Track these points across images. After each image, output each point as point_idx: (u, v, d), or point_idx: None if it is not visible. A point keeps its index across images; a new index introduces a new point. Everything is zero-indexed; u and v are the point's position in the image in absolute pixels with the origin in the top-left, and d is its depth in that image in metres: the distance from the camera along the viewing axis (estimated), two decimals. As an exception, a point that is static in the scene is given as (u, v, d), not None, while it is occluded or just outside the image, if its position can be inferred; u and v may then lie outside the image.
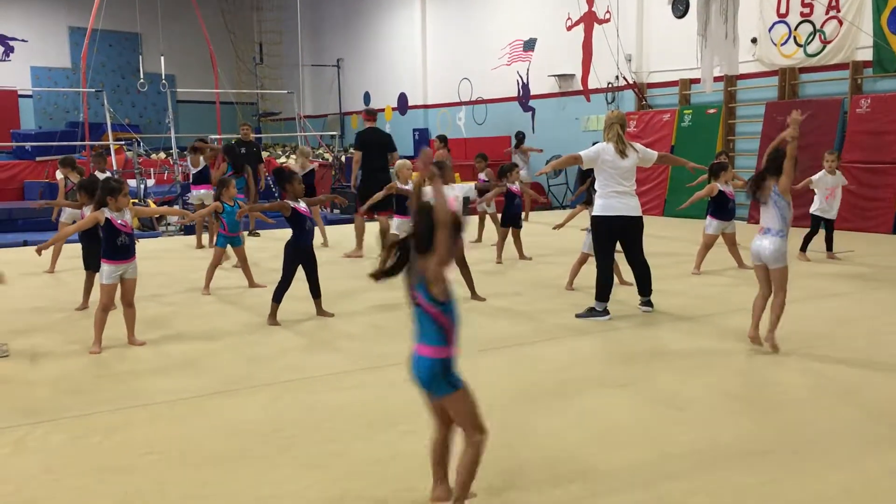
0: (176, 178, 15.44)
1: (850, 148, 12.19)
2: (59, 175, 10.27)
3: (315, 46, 25.61)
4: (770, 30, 13.64)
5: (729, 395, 4.48)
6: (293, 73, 24.45)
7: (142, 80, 18.29)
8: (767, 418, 4.11)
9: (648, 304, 6.60)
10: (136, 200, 12.75)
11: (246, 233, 9.75)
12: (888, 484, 3.32)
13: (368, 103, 23.40)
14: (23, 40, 24.54)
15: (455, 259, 7.96)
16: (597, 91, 16.90)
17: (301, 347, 5.73)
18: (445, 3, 20.91)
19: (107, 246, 5.60)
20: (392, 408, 4.33)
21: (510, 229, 9.38)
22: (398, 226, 8.51)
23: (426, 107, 21.96)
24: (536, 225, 12.32)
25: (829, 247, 9.21)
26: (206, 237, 11.24)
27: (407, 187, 8.51)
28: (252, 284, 7.87)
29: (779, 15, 13.51)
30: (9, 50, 24.47)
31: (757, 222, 13.50)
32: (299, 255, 6.41)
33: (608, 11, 16.17)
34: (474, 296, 7.16)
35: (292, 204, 6.37)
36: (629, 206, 6.37)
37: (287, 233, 6.55)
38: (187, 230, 12.84)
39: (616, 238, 6.47)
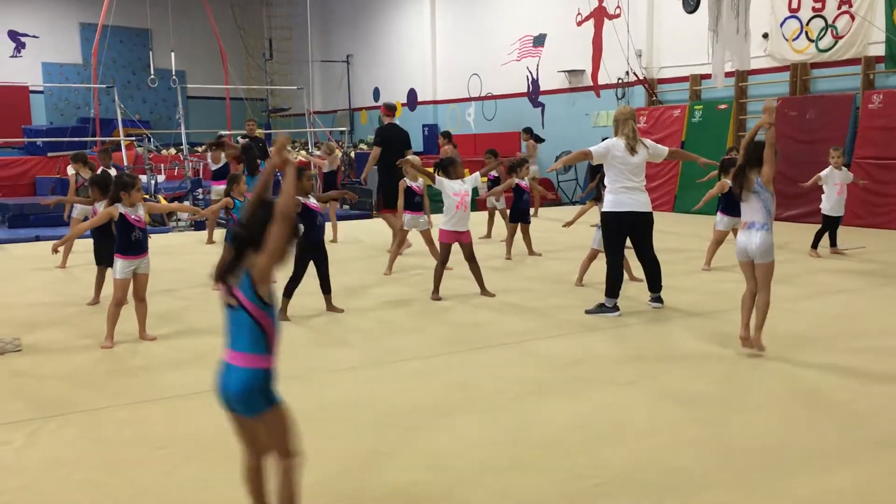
0: (186, 174, 15.49)
1: (862, 144, 12.12)
2: (70, 171, 10.31)
3: (325, 42, 25.63)
4: (782, 25, 13.57)
5: (740, 391, 4.48)
6: (303, 69, 24.48)
7: (152, 76, 18.37)
8: (777, 414, 4.11)
9: (658, 300, 6.59)
10: (147, 196, 12.80)
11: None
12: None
13: (378, 99, 23.41)
14: (34, 36, 24.65)
15: (464, 255, 7.90)
16: (607, 87, 16.86)
17: (311, 342, 5.75)
18: (455, -1, 20.92)
19: (120, 241, 5.63)
20: (402, 403, 4.34)
21: (519, 225, 9.38)
22: (408, 221, 8.52)
23: (435, 102, 21.95)
24: (545, 221, 12.30)
25: (833, 242, 9.21)
26: (218, 233, 11.27)
27: (415, 184, 8.53)
28: (262, 280, 7.89)
29: (790, 10, 13.44)
30: (20, 46, 24.58)
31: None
32: (310, 250, 6.42)
33: (618, 6, 16.12)
34: (483, 291, 7.16)
35: (302, 200, 6.38)
36: (639, 201, 6.35)
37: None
38: (197, 226, 12.89)
39: (626, 234, 6.45)
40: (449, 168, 7.20)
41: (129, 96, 24.36)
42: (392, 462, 3.55)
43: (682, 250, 9.41)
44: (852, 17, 12.55)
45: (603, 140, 6.72)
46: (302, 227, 6.42)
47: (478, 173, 7.64)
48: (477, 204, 8.89)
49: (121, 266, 5.62)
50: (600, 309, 6.38)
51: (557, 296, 7.18)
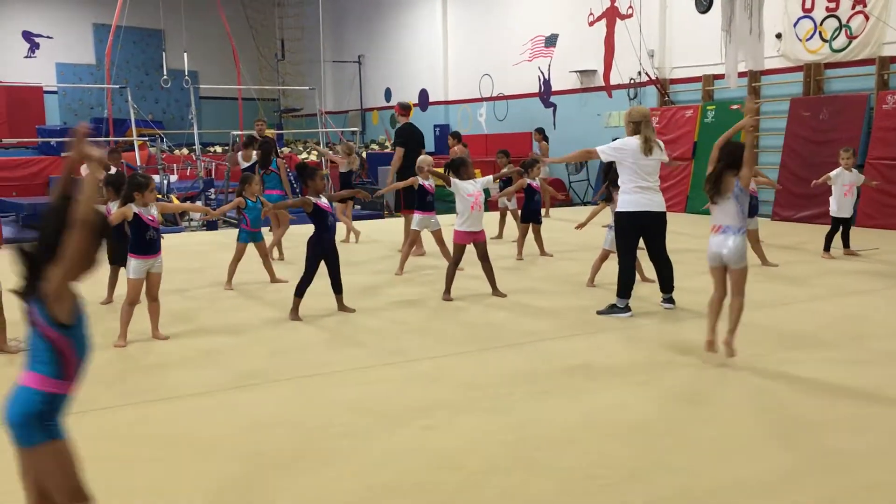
0: (199, 174, 15.56)
1: (876, 144, 12.04)
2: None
3: (336, 42, 25.69)
4: (795, 25, 13.50)
5: (754, 391, 4.46)
6: (314, 70, 24.55)
7: (165, 77, 18.46)
8: (788, 412, 4.09)
9: (670, 301, 6.57)
10: (160, 196, 12.85)
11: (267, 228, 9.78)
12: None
13: (390, 100, 23.45)
14: (48, 37, 24.84)
15: (478, 254, 7.87)
16: (619, 87, 16.81)
17: (323, 342, 5.76)
18: (467, -1, 20.93)
19: (135, 241, 5.65)
20: (413, 403, 4.35)
21: (531, 225, 9.37)
22: (419, 222, 8.52)
23: (447, 103, 21.96)
24: (557, 221, 12.29)
25: (846, 243, 9.16)
26: (229, 233, 11.30)
27: (427, 183, 8.53)
28: (274, 279, 7.92)
29: (804, 10, 13.36)
30: (34, 46, 24.77)
31: (782, 219, 13.39)
32: (322, 250, 6.43)
33: (631, 7, 16.07)
34: (495, 292, 7.16)
35: (314, 200, 6.39)
36: (654, 201, 6.33)
37: (309, 228, 6.58)
38: (209, 226, 12.94)
39: (640, 234, 6.43)
40: (460, 169, 7.20)
41: (142, 96, 24.51)
42: (402, 461, 3.56)
43: (694, 251, 9.36)
44: (866, 17, 12.48)
45: (614, 140, 6.71)
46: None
47: (490, 177, 7.63)
48: (489, 205, 8.87)
49: (135, 266, 5.65)
50: (612, 309, 6.37)
51: (569, 296, 7.17)
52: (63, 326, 2.26)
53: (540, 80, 18.89)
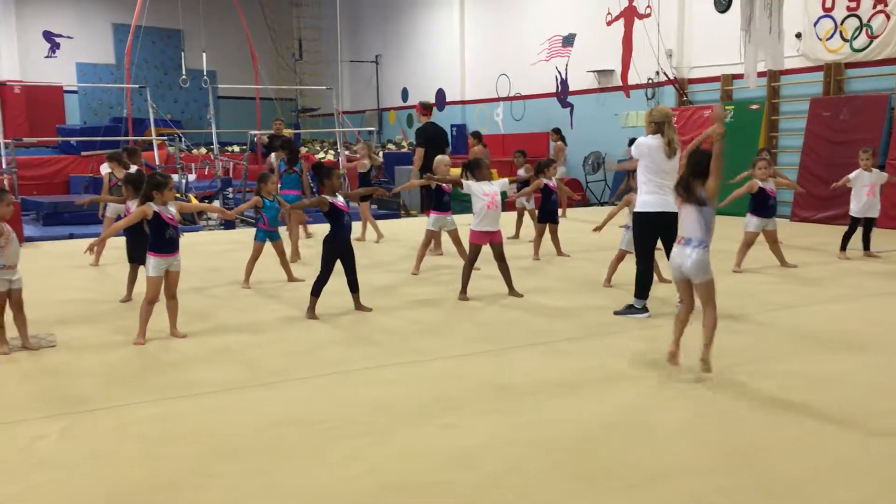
0: (217, 174, 15.64)
1: (897, 145, 11.93)
2: (104, 170, 10.44)
3: (353, 42, 25.75)
4: (815, 24, 13.39)
5: (769, 393, 4.43)
6: (332, 69, 24.60)
7: (184, 77, 18.59)
8: (799, 411, 4.06)
9: (688, 301, 6.53)
10: (178, 195, 12.94)
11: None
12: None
13: (406, 99, 23.49)
14: (68, 37, 25.06)
15: (494, 255, 7.91)
16: (636, 87, 16.75)
17: (340, 341, 5.78)
18: (484, -1, 20.91)
19: (154, 239, 5.69)
20: (431, 401, 4.36)
21: (548, 225, 9.36)
22: (434, 222, 8.53)
23: (464, 103, 21.96)
24: (574, 222, 12.26)
25: (867, 245, 9.08)
26: (247, 232, 11.35)
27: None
28: (291, 279, 7.95)
29: (824, 9, 13.26)
30: (55, 46, 25.00)
31: (801, 220, 13.28)
32: (338, 249, 6.45)
33: (649, 6, 16.02)
34: (512, 291, 7.15)
35: (330, 199, 6.41)
36: (672, 202, 6.28)
37: (325, 227, 6.61)
38: (227, 225, 13.01)
39: (658, 235, 6.39)
40: (475, 170, 7.18)
41: (161, 96, 24.65)
42: (418, 460, 3.57)
43: (712, 252, 9.31)
44: (888, 17, 12.36)
45: (631, 140, 6.68)
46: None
47: (506, 179, 7.61)
48: (506, 205, 8.87)
49: (154, 264, 5.69)
50: (629, 310, 6.35)
51: (586, 296, 7.15)
52: None
53: (557, 79, 18.85)
